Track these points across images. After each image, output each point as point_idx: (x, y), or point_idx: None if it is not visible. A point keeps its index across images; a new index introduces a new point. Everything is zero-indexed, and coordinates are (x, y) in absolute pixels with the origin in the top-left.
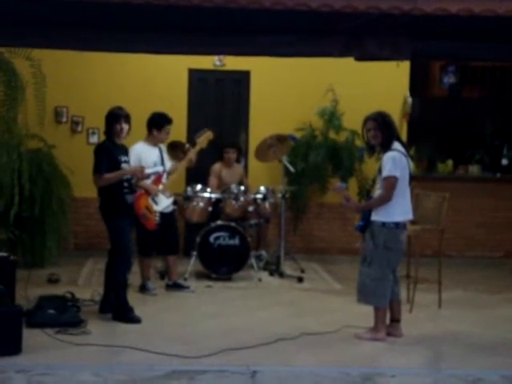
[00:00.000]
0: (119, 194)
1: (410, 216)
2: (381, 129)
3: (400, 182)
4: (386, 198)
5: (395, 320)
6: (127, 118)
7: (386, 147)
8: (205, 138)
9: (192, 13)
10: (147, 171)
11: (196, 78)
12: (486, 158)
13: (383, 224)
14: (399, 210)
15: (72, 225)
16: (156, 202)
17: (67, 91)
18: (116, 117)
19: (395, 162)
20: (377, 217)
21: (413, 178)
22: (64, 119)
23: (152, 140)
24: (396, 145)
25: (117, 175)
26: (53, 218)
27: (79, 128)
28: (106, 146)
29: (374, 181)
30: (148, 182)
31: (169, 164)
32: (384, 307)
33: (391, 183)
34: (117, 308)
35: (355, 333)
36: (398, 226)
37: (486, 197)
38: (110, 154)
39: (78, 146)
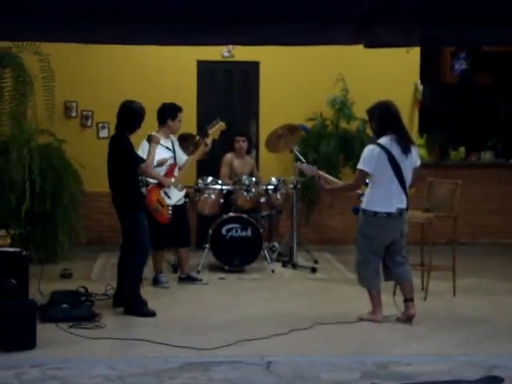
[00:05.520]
0: (136, 186)
1: (392, 208)
2: (370, 122)
3: (379, 175)
4: (352, 187)
5: (408, 299)
6: None
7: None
8: (217, 128)
9: (198, 2)
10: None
11: (205, 69)
12: (498, 145)
13: (364, 211)
14: (379, 200)
15: (83, 219)
16: (169, 196)
17: (76, 86)
18: (142, 115)
19: (366, 156)
20: (362, 204)
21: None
22: (73, 114)
23: (165, 131)
24: (382, 138)
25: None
26: (64, 213)
27: (89, 122)
28: (127, 139)
29: None
30: (161, 174)
31: (182, 156)
32: (373, 289)
33: (357, 175)
34: (131, 302)
35: (358, 315)
36: (377, 214)
37: (498, 183)
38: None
39: (88, 141)
